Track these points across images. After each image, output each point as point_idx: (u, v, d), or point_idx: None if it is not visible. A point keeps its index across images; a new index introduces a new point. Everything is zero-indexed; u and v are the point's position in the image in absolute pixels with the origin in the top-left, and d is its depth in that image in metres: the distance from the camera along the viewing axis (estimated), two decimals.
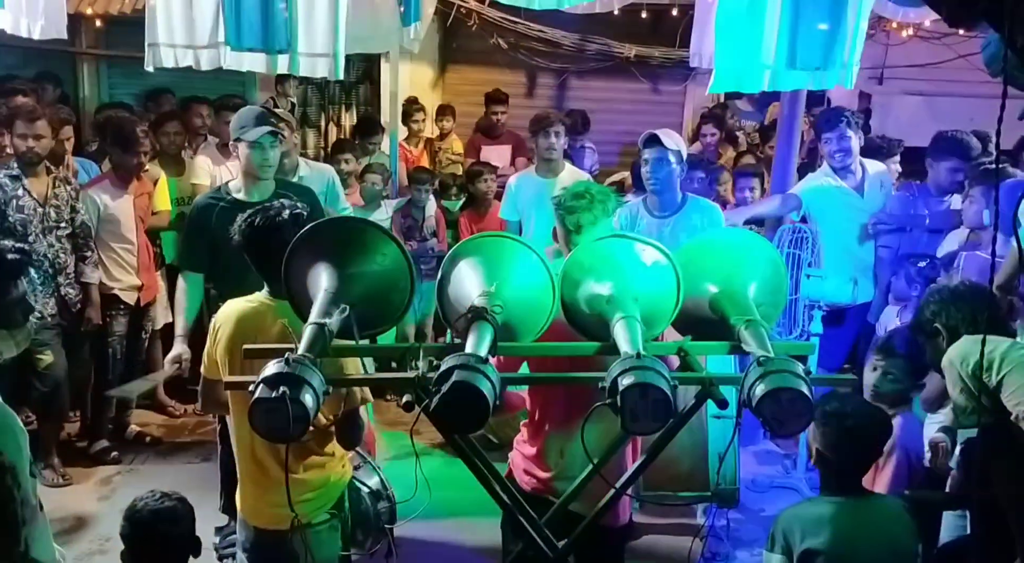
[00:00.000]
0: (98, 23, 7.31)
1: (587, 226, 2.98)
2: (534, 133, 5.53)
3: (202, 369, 3.09)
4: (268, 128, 4.04)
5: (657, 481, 3.64)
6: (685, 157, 4.60)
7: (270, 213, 2.91)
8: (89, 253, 5.03)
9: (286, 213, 2.91)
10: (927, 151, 5.22)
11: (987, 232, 4.38)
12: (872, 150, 6.08)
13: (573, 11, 5.79)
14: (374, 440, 4.11)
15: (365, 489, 3.32)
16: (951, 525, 3.36)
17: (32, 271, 3.56)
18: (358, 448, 3.28)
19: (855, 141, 5.17)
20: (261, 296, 2.94)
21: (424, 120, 7.93)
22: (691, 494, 3.81)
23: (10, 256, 2.86)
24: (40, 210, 4.75)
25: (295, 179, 5.06)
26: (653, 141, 4.47)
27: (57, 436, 5.12)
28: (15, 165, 4.71)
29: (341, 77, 4.68)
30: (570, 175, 5.44)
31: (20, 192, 4.69)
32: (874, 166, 5.38)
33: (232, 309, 2.96)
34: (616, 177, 7.10)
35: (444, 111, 7.97)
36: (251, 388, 1.96)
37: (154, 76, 5.19)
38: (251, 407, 1.94)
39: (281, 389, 1.92)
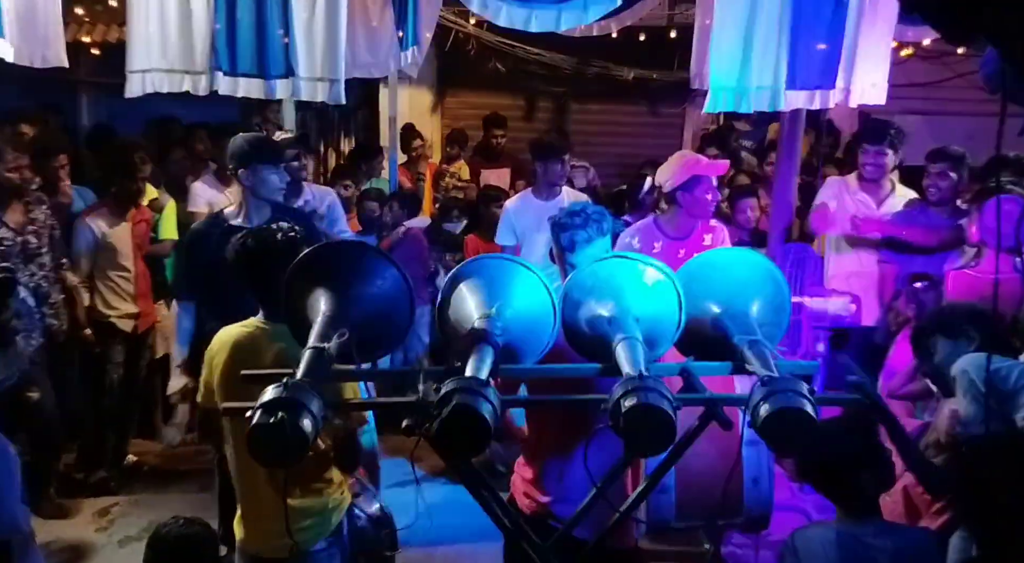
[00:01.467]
0: (96, 51, 7.34)
1: (581, 244, 2.98)
2: (543, 159, 5.51)
3: (199, 398, 3.06)
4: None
5: (692, 512, 3.58)
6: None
7: (263, 234, 2.92)
8: (65, 260, 4.98)
9: (279, 235, 2.91)
10: (924, 164, 5.24)
11: (987, 250, 4.38)
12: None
13: (571, 34, 5.80)
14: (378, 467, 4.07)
15: (365, 516, 3.28)
16: (956, 547, 3.31)
17: (21, 290, 3.55)
18: (358, 476, 3.24)
19: (891, 159, 5.25)
20: (256, 321, 2.92)
21: (422, 146, 7.95)
22: (723, 522, 3.75)
23: None
24: (19, 239, 4.68)
25: (301, 202, 5.11)
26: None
27: (53, 469, 5.07)
28: None
29: (344, 101, 4.68)
30: (568, 197, 5.43)
31: None
32: (905, 191, 5.39)
33: (227, 335, 2.94)
34: None
35: (454, 137, 7.97)
36: (249, 413, 1.93)
37: (154, 103, 5.19)
38: (249, 433, 1.90)
39: (279, 414, 1.88)
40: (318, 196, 5.44)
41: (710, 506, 3.50)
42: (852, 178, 5.48)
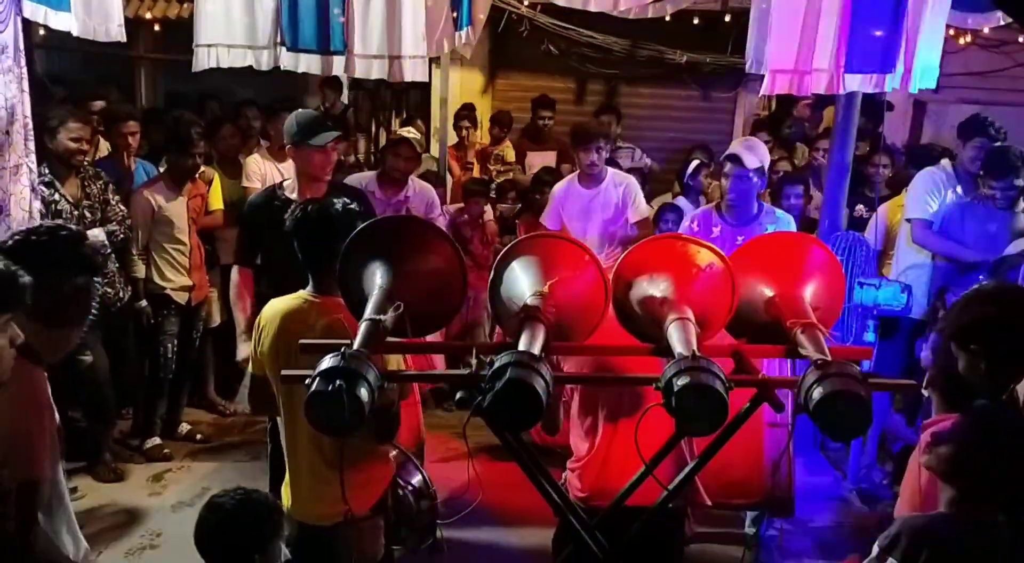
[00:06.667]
0: (156, 27, 7.46)
1: None
2: (575, 146, 5.50)
3: (250, 367, 3.12)
4: (335, 133, 4.14)
5: (711, 489, 3.59)
6: (767, 169, 4.64)
7: (323, 205, 2.97)
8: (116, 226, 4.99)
9: (339, 206, 2.95)
10: (982, 169, 5.04)
11: None
12: (927, 159, 5.96)
13: (625, 16, 5.77)
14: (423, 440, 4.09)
15: (408, 487, 3.32)
16: None
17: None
18: (402, 447, 3.28)
19: None
20: (305, 293, 2.96)
21: (471, 128, 7.92)
22: (745, 502, 3.76)
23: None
24: (75, 212, 4.77)
25: (402, 196, 5.37)
26: (735, 160, 4.50)
27: (108, 434, 5.20)
28: (46, 171, 4.63)
29: (417, 78, 4.72)
30: (612, 181, 5.41)
31: (56, 197, 4.70)
32: None
33: (276, 308, 2.99)
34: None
35: (499, 118, 7.96)
36: (307, 381, 1.97)
37: (210, 80, 5.25)
38: (308, 400, 1.95)
39: (337, 382, 1.93)
40: (419, 192, 5.58)
41: (730, 484, 3.50)
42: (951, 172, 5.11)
